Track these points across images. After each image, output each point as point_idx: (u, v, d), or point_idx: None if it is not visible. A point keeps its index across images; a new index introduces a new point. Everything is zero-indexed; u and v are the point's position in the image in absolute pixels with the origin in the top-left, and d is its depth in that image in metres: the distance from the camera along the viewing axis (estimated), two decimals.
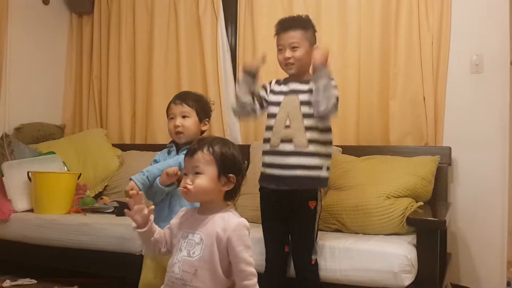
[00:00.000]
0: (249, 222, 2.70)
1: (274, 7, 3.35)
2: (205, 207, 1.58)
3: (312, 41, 2.20)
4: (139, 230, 1.57)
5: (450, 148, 2.82)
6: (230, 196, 1.59)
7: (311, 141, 2.11)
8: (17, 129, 3.69)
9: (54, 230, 2.91)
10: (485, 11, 2.83)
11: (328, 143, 2.18)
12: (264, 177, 2.22)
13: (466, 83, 2.88)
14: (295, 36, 2.15)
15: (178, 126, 2.04)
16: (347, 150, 2.93)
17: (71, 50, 4.21)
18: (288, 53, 2.15)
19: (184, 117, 2.05)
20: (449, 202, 2.80)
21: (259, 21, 3.39)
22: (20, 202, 3.17)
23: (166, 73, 3.75)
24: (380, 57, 3.07)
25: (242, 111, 2.24)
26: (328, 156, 2.17)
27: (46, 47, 4.03)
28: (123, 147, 3.74)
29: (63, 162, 3.47)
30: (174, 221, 1.63)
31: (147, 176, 1.95)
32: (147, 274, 1.99)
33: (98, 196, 3.46)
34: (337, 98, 2.07)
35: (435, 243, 2.16)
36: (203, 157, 1.53)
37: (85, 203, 3.27)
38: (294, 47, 2.15)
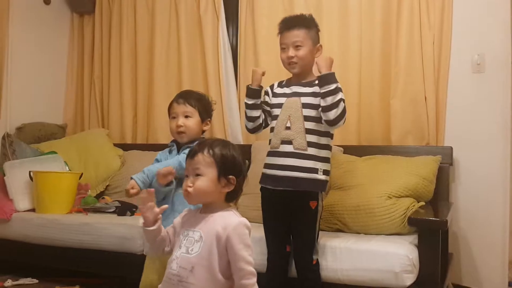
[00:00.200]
0: (250, 222, 2.70)
1: (275, 7, 3.35)
2: (207, 207, 1.59)
3: (316, 40, 2.21)
4: (148, 228, 1.57)
5: (451, 148, 2.82)
6: (231, 197, 1.60)
7: (310, 144, 2.11)
8: (19, 129, 3.69)
9: (55, 230, 2.91)
10: (486, 10, 2.82)
11: (328, 147, 2.18)
12: (264, 177, 2.23)
13: (468, 83, 2.87)
14: (298, 35, 2.15)
15: (181, 126, 2.04)
16: (348, 150, 2.93)
17: (73, 50, 4.22)
18: (291, 52, 2.15)
19: (186, 117, 2.05)
20: (451, 202, 2.80)
21: (260, 21, 3.39)
22: (21, 201, 3.18)
23: (167, 73, 3.76)
24: (381, 56, 3.07)
25: (254, 125, 2.29)
26: (325, 160, 2.17)
27: (48, 47, 4.04)
28: (125, 147, 3.74)
29: (64, 161, 3.47)
30: (177, 220, 1.65)
31: (147, 175, 1.95)
32: (149, 275, 1.99)
33: (99, 196, 3.46)
34: (344, 108, 2.09)
35: (436, 243, 2.16)
36: (203, 159, 1.54)
37: (87, 202, 3.27)
38: (297, 46, 2.15)
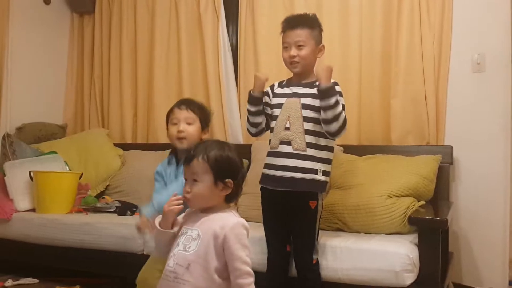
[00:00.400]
0: (251, 221, 2.70)
1: (275, 7, 3.35)
2: (207, 208, 1.61)
3: (318, 40, 2.20)
4: (166, 230, 1.59)
5: (451, 147, 2.82)
6: (231, 198, 1.61)
7: (309, 145, 2.11)
8: (19, 129, 3.69)
9: (56, 230, 2.91)
10: (486, 10, 2.82)
11: (328, 148, 2.18)
12: (264, 178, 2.23)
13: (468, 82, 2.87)
14: (301, 34, 2.15)
15: (182, 131, 2.03)
16: (348, 149, 2.93)
17: (73, 50, 4.22)
18: (293, 52, 2.15)
19: (188, 123, 2.05)
20: (451, 201, 2.79)
21: (260, 20, 3.39)
22: (22, 201, 3.18)
23: (167, 73, 3.76)
24: (382, 56, 3.06)
25: (257, 130, 2.30)
26: (325, 161, 2.17)
27: (48, 47, 4.04)
28: (125, 147, 3.74)
29: (64, 161, 3.47)
30: (179, 220, 1.66)
31: (157, 209, 1.94)
32: (147, 271, 1.98)
33: (99, 195, 3.46)
34: (345, 120, 2.08)
35: (437, 242, 2.16)
36: (198, 165, 1.56)
37: (87, 202, 3.27)
38: (300, 46, 2.15)
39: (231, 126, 3.50)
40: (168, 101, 3.29)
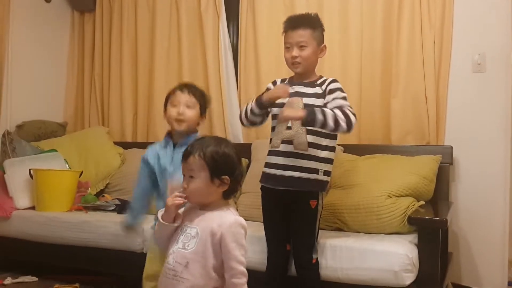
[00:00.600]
0: (251, 220, 2.71)
1: (275, 6, 3.35)
2: (206, 205, 1.61)
3: (320, 41, 2.20)
4: (168, 224, 1.59)
5: (451, 147, 2.82)
6: (229, 194, 1.60)
7: (311, 144, 2.11)
8: (19, 127, 3.69)
9: (55, 228, 2.91)
10: (487, 10, 2.82)
11: (330, 148, 2.17)
12: (264, 177, 2.23)
13: (468, 82, 2.87)
14: (303, 35, 2.14)
15: (182, 114, 2.02)
16: (348, 149, 2.93)
17: (73, 48, 4.22)
18: (295, 52, 2.14)
19: (188, 106, 2.04)
20: (451, 202, 2.80)
21: (260, 19, 3.39)
22: (21, 199, 3.18)
23: (167, 71, 3.76)
24: (382, 55, 3.06)
25: (250, 125, 2.28)
26: (327, 160, 2.16)
27: (48, 45, 4.04)
28: (125, 145, 3.74)
29: (64, 159, 3.47)
30: (181, 214, 1.66)
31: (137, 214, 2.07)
32: (152, 265, 1.98)
33: (99, 194, 3.46)
34: (346, 115, 2.03)
35: (436, 242, 2.16)
36: (195, 162, 1.56)
37: (87, 200, 3.27)
38: (301, 46, 2.14)
39: (231, 124, 3.50)
40: None
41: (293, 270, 2.22)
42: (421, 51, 2.96)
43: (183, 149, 1.63)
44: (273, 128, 2.24)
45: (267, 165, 2.22)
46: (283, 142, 2.15)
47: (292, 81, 2.25)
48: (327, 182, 2.19)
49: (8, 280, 2.98)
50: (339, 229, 2.54)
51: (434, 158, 2.70)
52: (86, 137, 3.79)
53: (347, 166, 2.72)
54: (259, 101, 2.16)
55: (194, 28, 3.66)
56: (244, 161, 3.14)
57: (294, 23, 2.18)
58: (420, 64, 2.96)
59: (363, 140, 3.10)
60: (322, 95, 2.14)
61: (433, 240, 2.16)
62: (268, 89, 2.30)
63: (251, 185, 2.90)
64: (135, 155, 3.56)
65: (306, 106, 2.12)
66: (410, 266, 2.10)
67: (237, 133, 3.49)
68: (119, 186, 3.47)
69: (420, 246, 2.19)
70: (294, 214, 2.15)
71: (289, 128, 2.14)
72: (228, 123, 3.50)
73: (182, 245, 1.56)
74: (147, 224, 2.69)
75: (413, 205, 2.42)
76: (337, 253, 2.22)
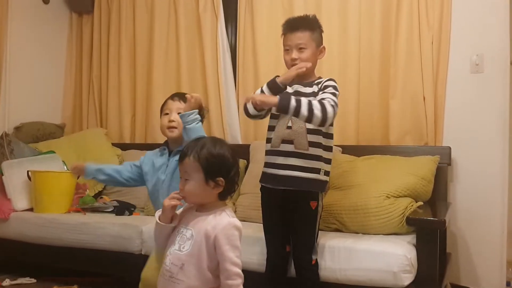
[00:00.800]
0: (250, 221, 2.71)
1: (274, 7, 3.35)
2: (202, 206, 1.62)
3: (319, 42, 2.20)
4: (165, 224, 1.61)
5: (450, 148, 2.82)
6: (224, 195, 1.61)
7: (312, 144, 2.11)
8: (17, 128, 3.68)
9: (53, 229, 2.91)
10: (485, 11, 2.82)
11: (328, 148, 2.18)
12: (264, 176, 2.23)
13: (466, 83, 2.87)
14: (302, 37, 2.14)
15: (173, 120, 2.05)
16: (347, 149, 2.93)
17: (71, 49, 4.21)
18: (295, 54, 2.15)
19: (179, 113, 2.05)
20: (449, 202, 2.80)
21: (259, 20, 3.39)
22: (20, 201, 3.17)
23: (166, 72, 3.76)
24: (380, 56, 3.07)
25: (252, 118, 2.25)
26: (327, 160, 2.17)
27: (46, 46, 4.03)
28: (123, 147, 3.73)
29: (63, 161, 3.47)
30: (178, 214, 1.67)
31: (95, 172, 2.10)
32: (152, 264, 1.98)
33: (97, 195, 3.46)
34: (324, 108, 1.97)
35: (434, 243, 2.16)
36: (190, 164, 1.57)
37: (85, 202, 3.27)
38: (301, 48, 2.14)
39: (230, 126, 3.50)
40: None
41: (292, 271, 2.22)
42: (419, 52, 2.96)
43: (177, 157, 1.64)
44: (270, 127, 2.23)
45: (267, 165, 2.21)
46: (283, 141, 2.14)
47: (291, 82, 2.25)
48: (326, 182, 2.19)
49: (7, 282, 2.97)
50: (337, 230, 2.54)
51: (432, 158, 2.70)
52: (84, 138, 3.79)
53: (345, 167, 2.72)
54: (274, 84, 2.15)
55: (192, 29, 3.66)
56: (243, 162, 3.14)
57: (293, 25, 2.18)
58: (418, 65, 2.96)
59: (361, 141, 3.11)
60: (318, 93, 2.14)
61: (431, 241, 2.16)
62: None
63: (250, 186, 2.90)
64: (133, 156, 3.55)
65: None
66: (409, 266, 2.10)
67: (235, 134, 3.49)
68: (117, 187, 3.46)
69: (419, 246, 2.19)
70: (294, 215, 2.15)
71: (289, 127, 2.14)
72: (227, 124, 3.50)
73: (178, 246, 1.57)
74: (146, 226, 2.71)
75: (412, 205, 2.42)
76: (335, 254, 2.22)
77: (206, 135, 1.89)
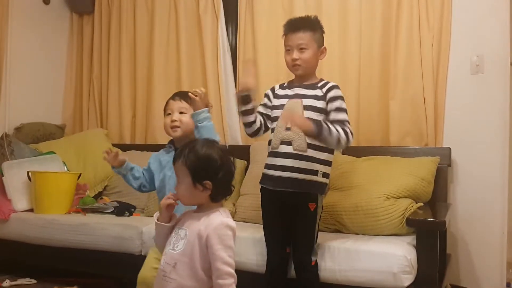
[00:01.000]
0: (250, 222, 2.71)
1: (274, 7, 3.35)
2: (199, 207, 1.64)
3: (320, 43, 2.21)
4: (161, 223, 1.64)
5: (450, 149, 2.82)
6: (215, 198, 1.60)
7: (310, 146, 2.11)
8: (17, 129, 3.69)
9: (54, 230, 2.91)
10: (485, 12, 2.82)
11: (329, 150, 2.17)
12: (264, 178, 2.23)
13: (467, 84, 2.87)
14: (303, 37, 2.14)
15: (175, 120, 2.07)
16: (347, 150, 2.89)
17: (72, 50, 4.22)
18: (296, 55, 2.15)
19: (181, 113, 2.07)
20: (449, 203, 2.80)
21: (259, 21, 3.39)
22: (20, 202, 3.17)
23: (166, 73, 3.76)
24: (381, 57, 3.07)
25: (251, 129, 2.24)
26: (326, 162, 2.16)
27: (47, 47, 4.04)
28: (123, 147, 3.71)
29: (63, 162, 3.47)
30: (176, 215, 1.70)
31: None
32: (151, 270, 1.99)
33: (98, 196, 3.46)
34: (346, 133, 2.06)
35: (434, 244, 2.16)
36: (179, 168, 1.59)
37: (85, 203, 3.27)
38: (302, 49, 2.15)
39: (230, 126, 3.50)
40: None
41: (292, 272, 2.22)
42: (420, 53, 2.96)
43: None
44: (272, 130, 2.24)
45: (267, 166, 2.22)
46: (283, 143, 2.15)
47: (292, 84, 2.26)
48: (325, 184, 2.19)
49: (7, 283, 2.97)
50: (337, 231, 2.54)
51: (433, 159, 2.70)
52: (85, 139, 3.79)
53: (345, 168, 2.72)
54: (236, 97, 2.19)
55: (192, 30, 3.66)
56: (243, 163, 3.14)
57: (294, 25, 2.18)
58: (418, 66, 2.96)
59: (361, 142, 3.10)
60: (322, 98, 2.15)
61: (431, 242, 2.16)
62: (266, 95, 2.32)
63: (250, 187, 2.90)
64: (133, 157, 3.55)
65: (306, 107, 2.12)
66: (409, 267, 2.10)
67: (235, 135, 3.49)
68: (117, 188, 3.46)
69: (419, 247, 2.19)
70: (294, 217, 2.15)
71: (288, 129, 2.14)
72: (227, 125, 3.50)
73: (172, 246, 1.59)
74: (146, 226, 2.71)
75: (412, 206, 2.42)
76: (335, 255, 2.22)
77: (217, 134, 1.94)
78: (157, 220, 1.65)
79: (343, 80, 3.00)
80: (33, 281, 3.06)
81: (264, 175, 2.23)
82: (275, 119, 2.22)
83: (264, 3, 3.39)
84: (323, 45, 2.23)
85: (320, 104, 2.13)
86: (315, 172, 2.12)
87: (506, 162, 2.78)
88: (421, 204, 2.50)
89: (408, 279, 2.11)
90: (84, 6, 4.11)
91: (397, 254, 2.12)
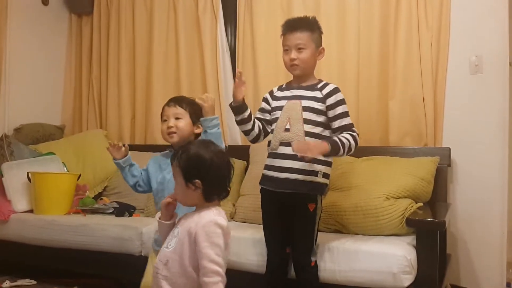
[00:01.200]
0: (250, 223, 2.71)
1: (273, 8, 3.35)
2: (196, 208, 1.66)
3: (318, 43, 2.21)
4: (161, 221, 1.69)
5: (449, 149, 2.82)
6: (208, 197, 1.61)
7: None
8: (17, 130, 3.69)
9: (53, 231, 2.91)
10: (484, 12, 2.83)
11: None
12: (263, 179, 2.23)
13: (466, 84, 2.88)
14: (301, 37, 2.15)
15: (171, 127, 2.07)
16: None
17: (71, 51, 4.22)
18: (294, 54, 2.15)
19: (177, 118, 2.08)
20: (449, 203, 2.80)
21: (258, 21, 3.40)
22: (19, 202, 3.17)
23: (165, 74, 3.76)
24: (380, 57, 3.07)
25: (251, 137, 2.27)
26: (325, 163, 2.16)
27: (46, 48, 4.04)
28: None
29: (62, 162, 3.47)
30: (177, 214, 1.73)
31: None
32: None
33: (97, 196, 3.46)
34: (355, 139, 2.13)
35: (434, 244, 2.17)
36: (174, 169, 1.63)
37: (85, 203, 3.27)
38: (300, 49, 2.15)
39: (229, 127, 3.50)
40: None
41: (292, 272, 2.22)
42: (419, 53, 2.96)
43: None
44: (272, 130, 2.24)
45: (267, 167, 2.22)
46: (282, 144, 2.15)
47: (290, 86, 2.26)
48: (326, 185, 2.19)
49: (7, 284, 2.97)
50: (337, 231, 2.54)
51: (432, 159, 2.70)
52: (84, 140, 3.78)
53: (345, 168, 2.73)
54: (230, 108, 2.23)
55: (191, 30, 3.66)
56: (243, 163, 3.14)
57: (292, 25, 2.18)
58: (417, 66, 2.96)
59: (361, 142, 3.06)
60: (321, 100, 2.14)
61: (431, 242, 2.16)
62: (265, 99, 2.32)
63: (250, 187, 2.90)
64: (133, 157, 3.52)
65: (304, 108, 2.13)
66: (409, 267, 2.10)
67: (235, 136, 3.49)
68: (117, 189, 3.46)
69: (419, 247, 2.19)
70: (293, 217, 2.15)
71: (287, 130, 2.14)
72: (226, 125, 3.50)
73: (166, 244, 1.62)
74: (146, 227, 2.71)
75: (411, 206, 2.42)
76: (335, 255, 2.22)
77: (223, 142, 1.99)
78: (159, 218, 1.70)
79: (342, 81, 3.00)
80: (33, 282, 3.05)
81: (263, 176, 2.24)
82: (274, 120, 2.22)
83: (263, 3, 3.39)
84: (321, 45, 2.23)
85: (319, 106, 2.13)
86: (315, 173, 2.12)
87: (506, 162, 2.78)
88: (421, 204, 2.50)
89: (408, 279, 2.11)
90: (83, 6, 4.10)
91: (397, 254, 2.12)
